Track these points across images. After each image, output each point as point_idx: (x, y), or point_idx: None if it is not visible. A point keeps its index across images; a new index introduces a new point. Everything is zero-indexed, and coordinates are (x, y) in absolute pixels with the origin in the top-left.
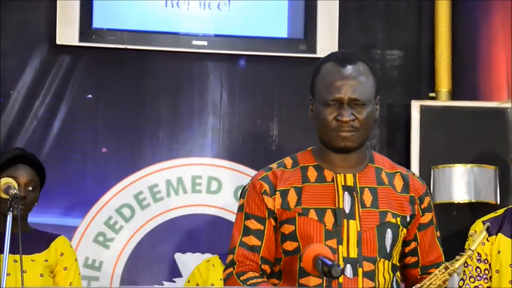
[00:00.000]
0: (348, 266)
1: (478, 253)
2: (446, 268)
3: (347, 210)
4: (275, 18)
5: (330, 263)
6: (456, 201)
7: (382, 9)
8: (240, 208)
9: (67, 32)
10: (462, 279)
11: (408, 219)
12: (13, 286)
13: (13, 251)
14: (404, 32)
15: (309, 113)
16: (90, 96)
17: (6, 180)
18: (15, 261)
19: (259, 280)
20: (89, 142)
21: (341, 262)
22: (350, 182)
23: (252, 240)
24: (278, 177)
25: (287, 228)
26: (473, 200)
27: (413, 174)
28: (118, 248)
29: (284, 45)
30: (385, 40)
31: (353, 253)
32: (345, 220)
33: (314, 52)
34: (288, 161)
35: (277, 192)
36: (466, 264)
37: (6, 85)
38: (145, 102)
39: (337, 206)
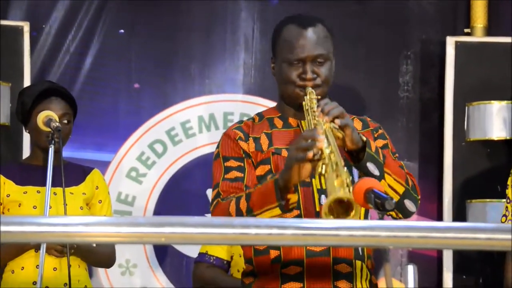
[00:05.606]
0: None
1: None
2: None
3: None
4: None
5: (384, 196)
6: (490, 138)
7: None
8: (217, 155)
9: None
10: (504, 215)
11: None
12: None
13: (51, 184)
14: None
15: (271, 71)
16: (122, 31)
17: (47, 113)
18: (55, 193)
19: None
20: (121, 78)
21: (315, 193)
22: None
23: (235, 174)
24: (250, 127)
25: (263, 169)
26: (508, 137)
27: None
28: (150, 184)
29: None
30: None
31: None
32: None
33: None
34: (255, 117)
35: (250, 138)
36: (508, 200)
37: (38, 18)
38: (177, 38)
39: None
